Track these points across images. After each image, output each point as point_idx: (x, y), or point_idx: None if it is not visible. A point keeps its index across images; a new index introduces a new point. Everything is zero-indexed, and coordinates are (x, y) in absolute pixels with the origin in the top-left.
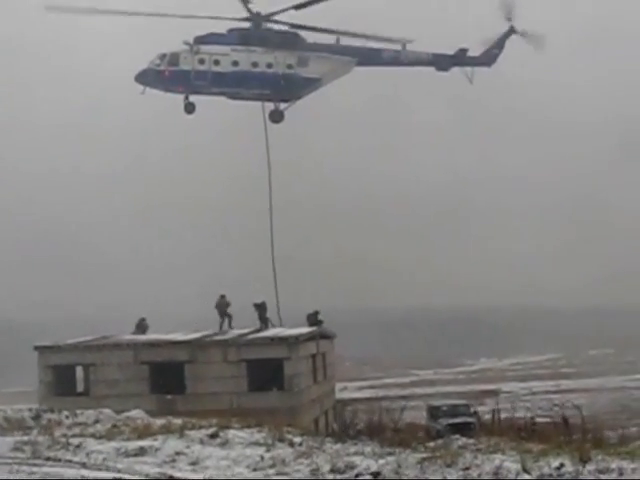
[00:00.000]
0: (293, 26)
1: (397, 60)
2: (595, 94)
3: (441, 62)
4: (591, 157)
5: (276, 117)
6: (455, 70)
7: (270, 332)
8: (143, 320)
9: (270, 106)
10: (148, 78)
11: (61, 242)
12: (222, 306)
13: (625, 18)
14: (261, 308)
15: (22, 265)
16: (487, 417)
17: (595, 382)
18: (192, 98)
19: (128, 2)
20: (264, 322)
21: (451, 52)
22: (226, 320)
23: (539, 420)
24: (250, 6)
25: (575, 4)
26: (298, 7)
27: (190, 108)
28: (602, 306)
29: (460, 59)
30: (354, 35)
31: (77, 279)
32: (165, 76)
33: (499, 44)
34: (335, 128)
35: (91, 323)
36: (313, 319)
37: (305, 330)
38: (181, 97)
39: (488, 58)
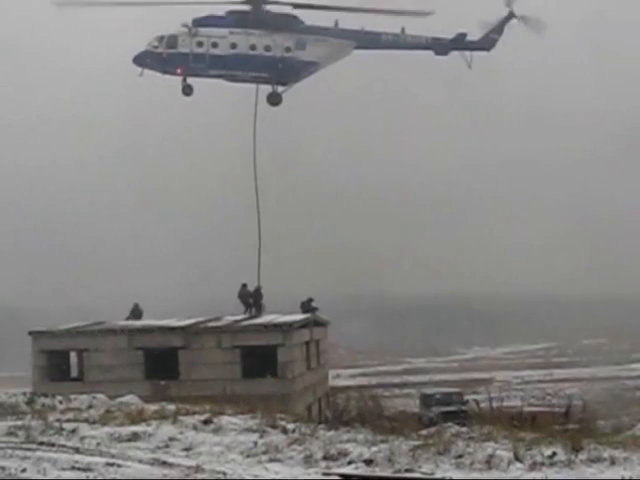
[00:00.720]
0: (295, 6)
1: (396, 44)
2: (597, 82)
3: (440, 46)
4: (589, 146)
5: (274, 100)
6: (454, 54)
7: (264, 319)
8: (137, 306)
9: (268, 89)
10: (146, 60)
11: (59, 230)
12: (245, 295)
13: (628, 6)
14: (256, 294)
15: (20, 252)
16: (483, 405)
17: (588, 371)
18: (190, 80)
19: None
20: (258, 308)
21: (450, 36)
22: (249, 310)
23: (532, 409)
24: None
25: None
26: (297, 6)
27: (188, 90)
28: (596, 295)
29: (459, 43)
30: (359, 11)
31: (76, 266)
32: (163, 58)
33: (498, 29)
34: (334, 111)
35: (91, 310)
36: (307, 306)
37: (299, 317)
38: (179, 79)
39: (487, 43)
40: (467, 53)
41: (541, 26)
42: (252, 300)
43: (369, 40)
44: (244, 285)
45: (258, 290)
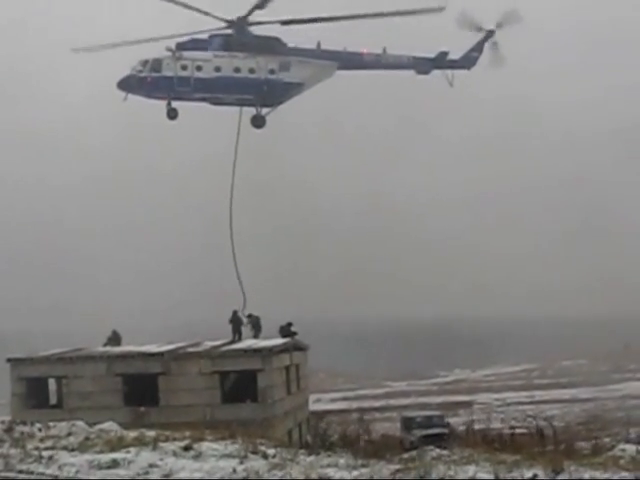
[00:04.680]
0: (283, 23)
1: (378, 63)
2: (594, 98)
3: (422, 65)
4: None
5: (258, 122)
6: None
7: (243, 344)
8: (115, 332)
9: (252, 111)
10: (130, 85)
11: (45, 251)
12: (236, 322)
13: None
14: (255, 320)
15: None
16: (461, 428)
17: (568, 393)
18: (174, 104)
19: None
20: (257, 333)
21: (432, 55)
22: (237, 335)
23: (512, 431)
24: (227, 13)
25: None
26: (285, 23)
27: (173, 114)
28: (575, 317)
29: (440, 62)
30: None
31: (59, 289)
32: (147, 82)
33: (478, 47)
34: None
35: (72, 335)
36: (286, 331)
37: (278, 342)
38: (163, 103)
39: (468, 61)
40: (448, 72)
41: (501, 60)
42: (251, 326)
43: (352, 60)
44: (235, 312)
45: (252, 316)
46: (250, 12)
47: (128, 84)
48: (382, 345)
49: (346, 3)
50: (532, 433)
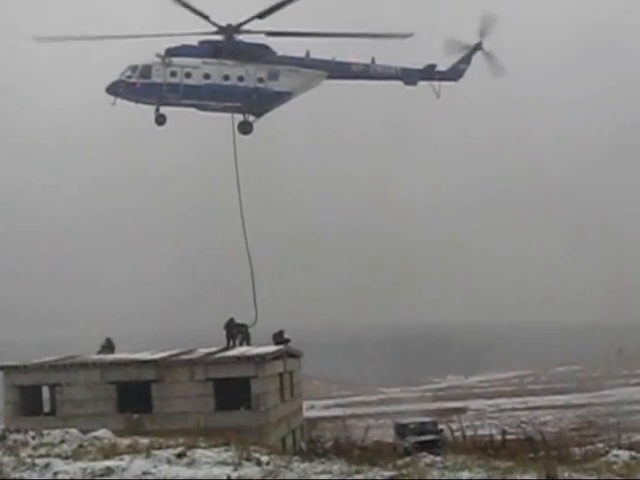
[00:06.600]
0: (268, 34)
1: (366, 73)
2: (587, 100)
3: (409, 76)
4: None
5: (245, 128)
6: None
7: (236, 351)
8: (109, 340)
9: (239, 117)
10: (119, 90)
11: (39, 258)
12: (231, 328)
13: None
14: (243, 330)
15: None
16: (455, 434)
17: (562, 399)
18: (163, 109)
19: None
20: (247, 342)
21: (420, 66)
22: (231, 341)
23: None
24: (217, 19)
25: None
26: (261, 16)
27: (161, 120)
28: (569, 323)
29: (428, 74)
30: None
31: (53, 297)
32: (136, 88)
33: (466, 59)
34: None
35: (66, 342)
36: (279, 338)
37: (272, 349)
38: (152, 108)
39: (455, 73)
40: (435, 83)
41: (500, 68)
42: (241, 336)
43: (340, 70)
44: (231, 319)
45: (239, 325)
46: (247, 21)
47: (117, 89)
48: (375, 352)
49: (338, 11)
50: (522, 439)
